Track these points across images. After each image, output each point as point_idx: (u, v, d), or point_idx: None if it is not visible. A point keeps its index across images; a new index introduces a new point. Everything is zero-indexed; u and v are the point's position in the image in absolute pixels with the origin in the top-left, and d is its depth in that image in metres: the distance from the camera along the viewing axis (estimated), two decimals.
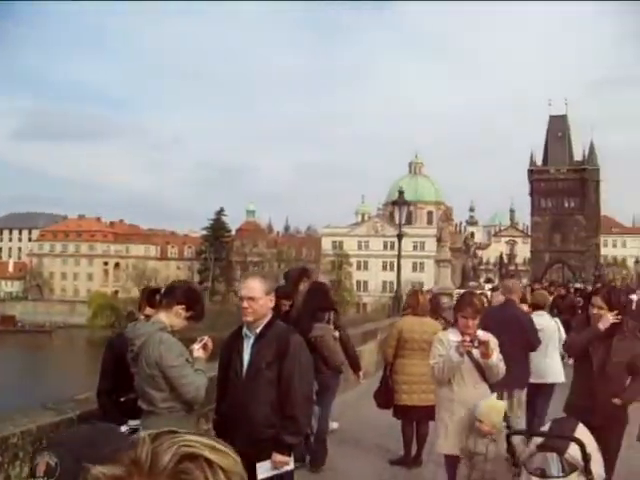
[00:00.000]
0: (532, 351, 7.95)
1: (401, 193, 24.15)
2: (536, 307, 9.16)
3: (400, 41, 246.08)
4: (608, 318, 5.23)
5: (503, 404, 5.42)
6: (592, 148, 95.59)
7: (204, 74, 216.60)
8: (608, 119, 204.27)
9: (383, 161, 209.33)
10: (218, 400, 4.63)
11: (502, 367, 5.36)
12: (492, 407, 5.05)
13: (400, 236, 23.31)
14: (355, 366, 7.99)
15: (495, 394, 5.47)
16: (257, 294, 4.26)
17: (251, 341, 4.36)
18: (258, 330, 4.35)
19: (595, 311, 5.41)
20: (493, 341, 5.36)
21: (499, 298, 9.33)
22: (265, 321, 4.36)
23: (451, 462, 5.43)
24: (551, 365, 8.60)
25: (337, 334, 7.52)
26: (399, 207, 23.53)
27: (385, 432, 8.32)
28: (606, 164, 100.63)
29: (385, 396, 7.78)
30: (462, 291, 27.14)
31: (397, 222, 23.33)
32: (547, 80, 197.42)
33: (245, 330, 4.42)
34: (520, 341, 7.65)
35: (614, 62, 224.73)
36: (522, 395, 8.11)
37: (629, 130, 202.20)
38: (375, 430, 8.62)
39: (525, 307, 9.17)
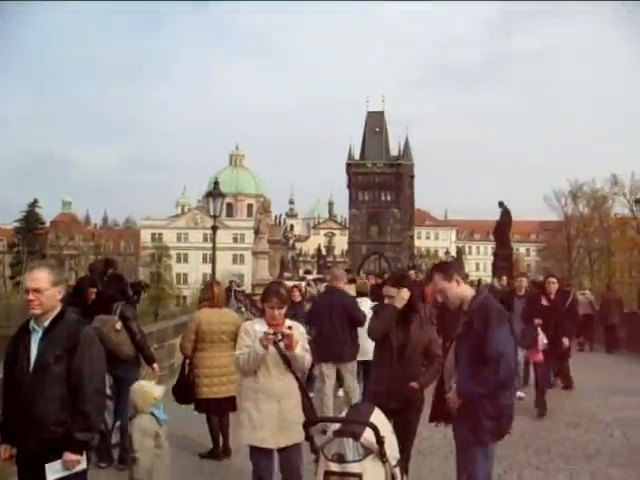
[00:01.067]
0: (360, 326, 8.56)
1: (216, 184, 23.85)
2: (359, 294, 10.30)
3: (222, 36, 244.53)
4: (403, 296, 5.62)
5: (155, 390, 5.76)
6: (407, 144, 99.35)
7: (28, 59, 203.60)
8: (422, 117, 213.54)
9: (206, 154, 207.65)
10: (4, 400, 4.36)
11: (308, 358, 5.40)
12: (138, 390, 5.73)
13: (215, 228, 22.95)
14: (147, 358, 7.68)
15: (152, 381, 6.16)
16: (43, 285, 4.11)
17: (39, 335, 4.16)
18: (46, 323, 4.17)
19: (387, 301, 5.86)
20: (299, 332, 5.45)
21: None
22: (54, 314, 4.18)
23: (256, 453, 5.40)
24: (372, 345, 8.79)
25: (119, 325, 7.39)
26: (214, 198, 23.02)
27: (192, 426, 8.33)
28: (420, 160, 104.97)
29: (184, 391, 7.71)
30: None
31: (212, 214, 22.49)
32: (367, 78, 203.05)
33: (32, 324, 4.21)
34: (347, 321, 8.77)
35: (430, 63, 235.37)
36: (352, 366, 9.09)
37: (441, 128, 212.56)
38: (183, 424, 8.14)
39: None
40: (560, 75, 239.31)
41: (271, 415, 5.25)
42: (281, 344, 5.22)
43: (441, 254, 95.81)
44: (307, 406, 5.39)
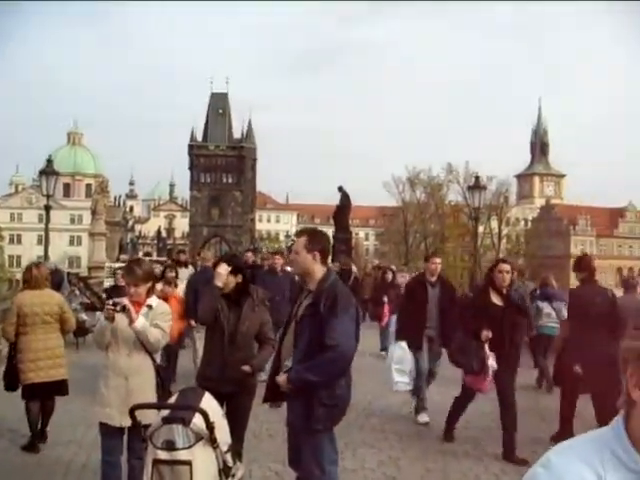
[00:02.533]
0: None
1: (49, 162, 22.75)
2: None
3: (62, 11, 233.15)
4: (221, 273, 5.37)
5: None
6: (250, 127, 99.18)
7: None
8: (266, 101, 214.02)
9: (44, 132, 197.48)
10: None
11: (158, 337, 5.19)
12: None
13: (48, 207, 21.85)
14: None
15: None
16: None
17: None
18: None
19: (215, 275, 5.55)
20: (159, 311, 5.35)
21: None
22: None
23: (104, 430, 5.23)
24: None
25: None
26: (47, 177, 21.99)
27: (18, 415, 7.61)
28: (263, 144, 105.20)
29: (12, 377, 7.35)
30: (115, 265, 26.77)
31: (45, 193, 21.46)
32: (211, 60, 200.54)
33: None
34: None
35: (274, 48, 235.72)
36: None
37: (284, 112, 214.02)
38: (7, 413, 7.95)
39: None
40: (400, 64, 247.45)
41: (118, 392, 5.13)
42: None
43: (282, 237, 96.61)
44: (158, 387, 5.27)
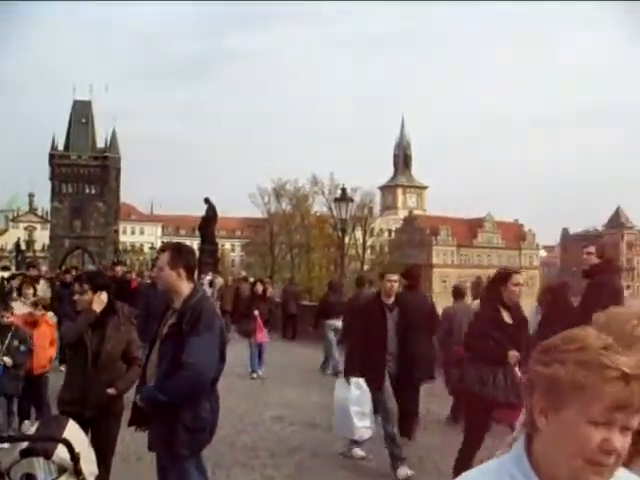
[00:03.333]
0: None
1: None
2: None
3: None
4: (102, 300, 5.20)
5: None
6: (114, 136, 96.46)
7: None
8: (132, 110, 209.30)
9: None
10: None
11: None
12: None
13: None
14: None
15: None
16: None
17: None
18: None
19: (77, 297, 5.33)
20: None
21: None
22: None
23: None
24: None
25: None
26: None
27: None
28: (127, 153, 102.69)
29: None
30: None
31: None
32: (74, 65, 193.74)
33: None
34: None
35: (146, 55, 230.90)
36: None
37: (150, 122, 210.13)
38: None
39: None
40: (268, 75, 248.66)
41: None
42: None
43: (146, 249, 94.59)
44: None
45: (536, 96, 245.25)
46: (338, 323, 14.04)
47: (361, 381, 7.24)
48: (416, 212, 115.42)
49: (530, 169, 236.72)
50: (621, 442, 1.43)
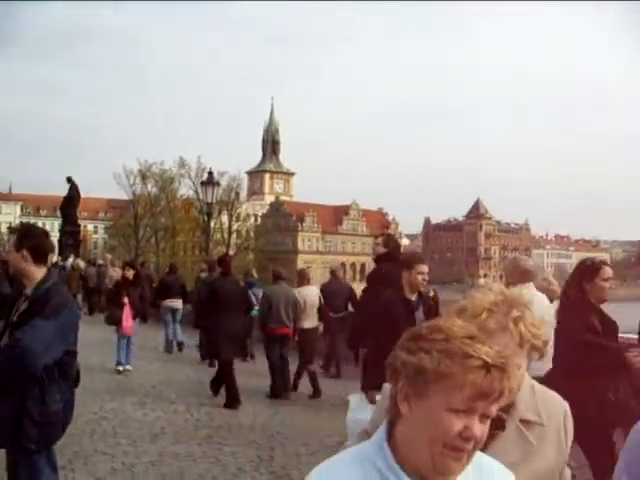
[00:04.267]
0: None
1: None
2: None
3: None
4: None
5: None
6: None
7: None
8: None
9: None
10: None
11: None
12: None
13: None
14: None
15: None
16: None
17: None
18: None
19: None
20: None
21: None
22: None
23: None
24: None
25: None
26: None
27: None
28: None
29: None
30: None
31: None
32: None
33: None
34: None
35: (15, 28, 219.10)
36: None
37: (8, 97, 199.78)
38: None
39: None
40: (138, 55, 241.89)
41: None
42: None
43: (4, 229, 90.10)
44: None
45: (400, 89, 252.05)
46: (175, 304, 15.51)
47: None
48: (283, 198, 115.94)
49: (395, 159, 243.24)
50: (480, 430, 1.47)
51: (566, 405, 2.26)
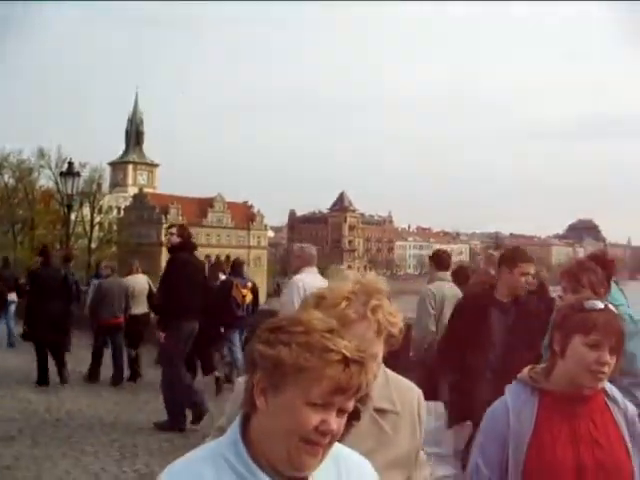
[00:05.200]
0: None
1: None
2: None
3: None
4: None
5: None
6: None
7: None
8: None
9: None
10: None
11: None
12: None
13: None
14: None
15: None
16: None
17: None
18: None
19: None
20: None
21: None
22: None
23: None
24: None
25: None
26: None
27: None
28: None
29: None
30: None
31: None
32: None
33: None
34: None
35: None
36: None
37: None
38: None
39: None
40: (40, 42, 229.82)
41: None
42: None
43: None
44: None
45: (266, 79, 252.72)
46: (11, 297, 15.84)
47: (441, 407, 4.89)
48: (147, 190, 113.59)
49: (261, 152, 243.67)
50: (337, 424, 1.47)
51: (419, 391, 2.31)
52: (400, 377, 2.33)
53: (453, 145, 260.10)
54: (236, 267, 11.68)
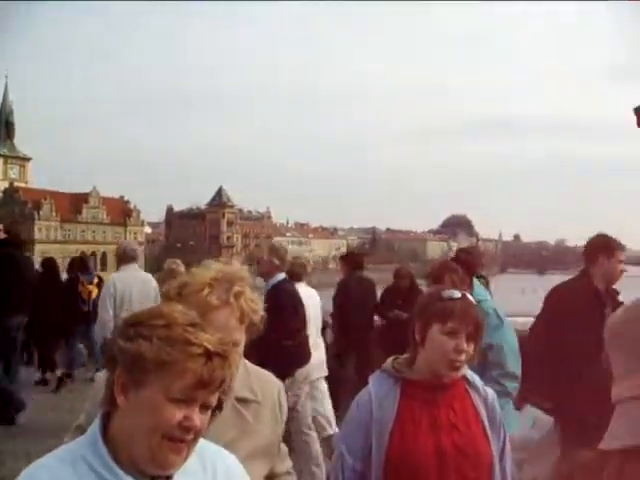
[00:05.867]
0: None
1: None
2: None
3: None
4: None
5: None
6: None
7: None
8: None
9: None
10: None
11: None
12: None
13: None
14: None
15: None
16: None
17: None
18: None
19: None
20: None
21: None
22: None
23: None
24: None
25: None
26: None
27: None
28: None
29: None
30: None
31: None
32: None
33: None
34: None
35: None
36: None
37: None
38: None
39: None
40: None
41: None
42: None
43: None
44: None
45: (142, 73, 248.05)
46: None
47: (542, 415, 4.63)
48: (18, 184, 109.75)
49: (139, 148, 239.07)
50: (201, 420, 1.45)
51: (280, 383, 2.38)
52: (260, 369, 2.37)
53: (335, 143, 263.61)
54: (81, 264, 11.92)
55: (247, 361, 2.27)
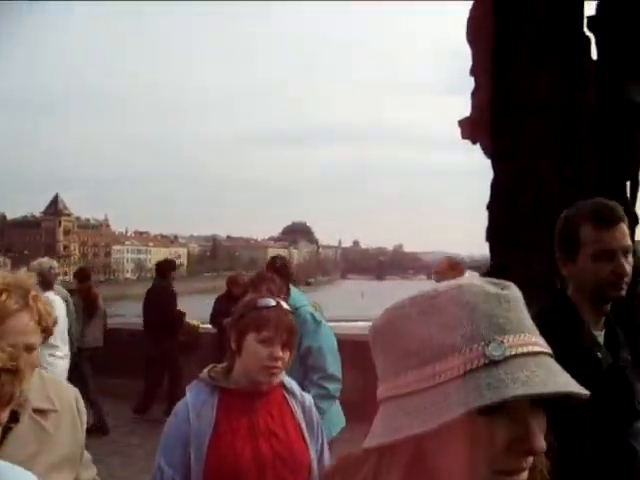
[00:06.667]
0: None
1: None
2: None
3: None
4: None
5: None
6: None
7: None
8: None
9: None
10: None
11: None
12: None
13: None
14: None
15: None
16: None
17: None
18: None
19: None
20: None
21: None
22: None
23: None
24: None
25: None
26: None
27: None
28: None
29: None
30: None
31: None
32: None
33: None
34: None
35: None
36: None
37: None
38: None
39: None
40: None
41: None
42: None
43: None
44: None
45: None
46: None
47: None
48: None
49: None
50: None
51: (75, 389, 2.29)
52: (54, 377, 2.34)
53: (170, 148, 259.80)
54: None
55: (42, 370, 2.21)
